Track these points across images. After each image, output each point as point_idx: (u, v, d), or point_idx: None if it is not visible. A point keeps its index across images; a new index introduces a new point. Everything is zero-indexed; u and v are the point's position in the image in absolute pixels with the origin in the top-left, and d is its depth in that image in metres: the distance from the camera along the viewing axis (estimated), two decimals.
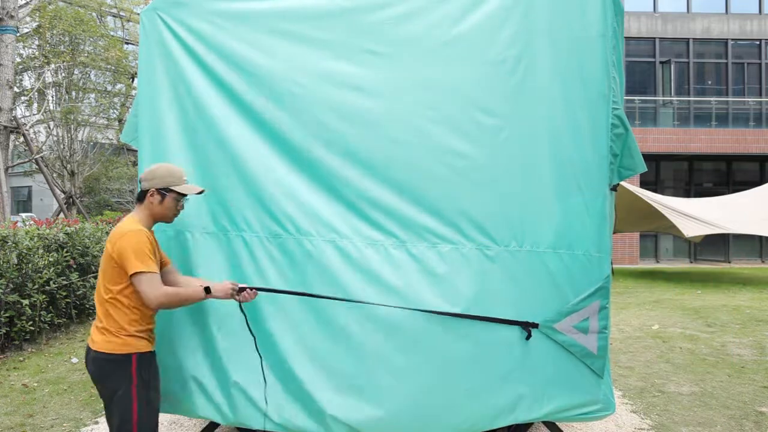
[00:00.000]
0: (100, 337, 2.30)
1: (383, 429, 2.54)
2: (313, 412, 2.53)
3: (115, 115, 15.98)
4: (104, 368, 2.29)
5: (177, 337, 2.70)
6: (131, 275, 2.23)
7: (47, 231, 6.39)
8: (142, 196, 2.42)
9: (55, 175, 13.82)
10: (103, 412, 4.08)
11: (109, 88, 15.37)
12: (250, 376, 2.62)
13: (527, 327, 2.60)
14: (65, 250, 6.55)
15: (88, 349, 2.35)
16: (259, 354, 2.59)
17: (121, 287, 2.28)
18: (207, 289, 2.37)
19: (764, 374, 5.10)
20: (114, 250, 2.26)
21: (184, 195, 2.46)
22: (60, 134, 14.10)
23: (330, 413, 2.50)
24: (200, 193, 2.50)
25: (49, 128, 13.98)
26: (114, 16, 17.44)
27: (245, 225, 2.67)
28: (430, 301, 2.57)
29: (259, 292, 2.52)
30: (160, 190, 2.40)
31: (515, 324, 2.60)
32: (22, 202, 23.83)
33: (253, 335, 2.58)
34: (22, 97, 14.57)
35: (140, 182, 2.43)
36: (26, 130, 10.63)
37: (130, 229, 2.29)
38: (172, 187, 2.41)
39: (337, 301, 2.56)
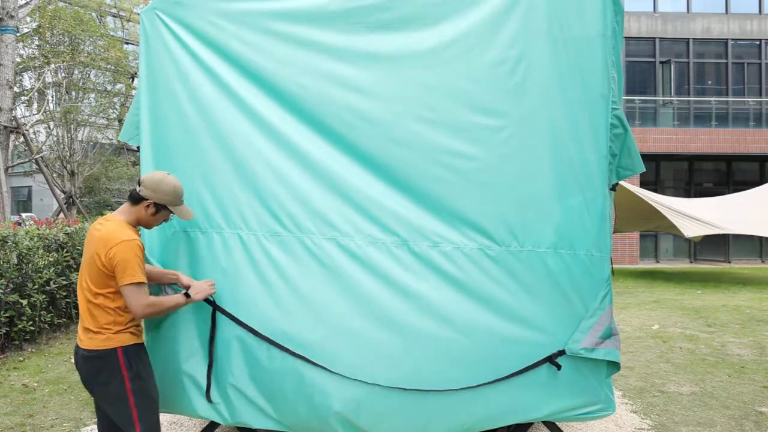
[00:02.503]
0: (85, 335, 2.32)
1: (383, 429, 2.54)
2: (315, 409, 2.53)
3: (115, 115, 15.98)
4: (93, 365, 2.30)
5: (176, 338, 2.69)
6: (121, 285, 2.26)
7: (47, 231, 6.39)
8: (137, 200, 2.40)
9: (55, 175, 13.82)
10: None
11: (109, 87, 15.37)
12: (252, 377, 2.62)
13: (554, 360, 2.60)
14: (65, 250, 6.55)
15: (77, 349, 2.35)
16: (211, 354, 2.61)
17: (107, 291, 2.29)
18: (186, 294, 2.44)
19: (764, 374, 5.10)
20: (106, 258, 2.25)
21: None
22: (60, 134, 14.11)
23: (334, 410, 2.51)
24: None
25: (49, 128, 13.98)
26: (114, 16, 17.45)
27: (243, 223, 2.67)
28: (431, 301, 2.58)
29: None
30: (158, 204, 2.41)
31: (543, 361, 2.60)
32: (22, 202, 23.82)
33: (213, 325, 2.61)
34: (22, 97, 14.57)
35: (140, 185, 2.40)
36: (26, 130, 10.64)
37: (123, 238, 2.27)
38: (171, 207, 2.44)
39: (341, 297, 2.56)
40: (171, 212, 2.46)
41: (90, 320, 2.31)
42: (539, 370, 2.64)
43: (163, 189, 2.38)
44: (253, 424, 2.62)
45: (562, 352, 2.62)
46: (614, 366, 2.75)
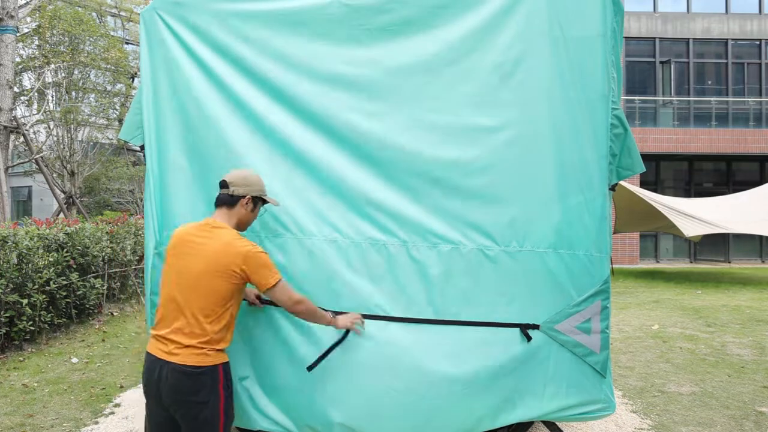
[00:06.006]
0: (184, 350, 2.17)
1: (383, 429, 2.54)
2: (315, 413, 2.53)
3: (115, 115, 15.97)
4: (194, 382, 2.16)
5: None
6: (271, 287, 2.23)
7: (47, 231, 6.39)
8: (233, 202, 2.34)
9: (55, 175, 13.82)
10: (104, 412, 4.09)
11: (109, 88, 15.36)
12: (251, 377, 2.62)
13: (526, 330, 2.60)
14: (65, 250, 6.55)
15: (165, 362, 2.17)
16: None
17: (228, 305, 2.23)
18: (334, 314, 2.48)
19: (764, 374, 5.10)
20: (244, 265, 2.18)
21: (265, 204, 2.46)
22: (60, 134, 14.10)
23: (331, 415, 2.51)
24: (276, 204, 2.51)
25: (49, 128, 13.97)
26: (114, 16, 17.45)
27: None
28: (431, 301, 2.58)
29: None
30: (255, 198, 2.38)
31: (515, 327, 2.60)
32: (22, 202, 23.81)
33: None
34: (22, 97, 14.57)
35: (229, 186, 2.35)
36: (26, 130, 10.63)
37: (248, 242, 2.24)
38: (264, 197, 2.42)
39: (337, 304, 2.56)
40: (265, 203, 2.44)
41: (196, 335, 2.17)
42: (540, 369, 2.64)
43: (253, 181, 2.37)
44: (253, 425, 2.62)
45: (536, 327, 2.62)
46: (599, 359, 2.73)
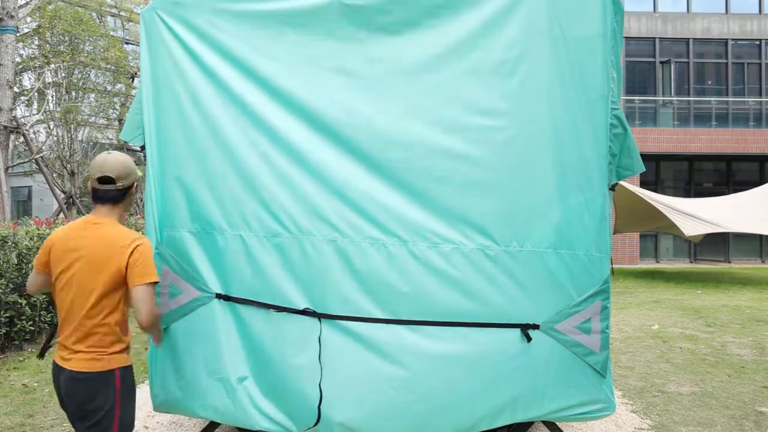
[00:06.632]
0: (76, 355, 2.11)
1: (383, 429, 2.54)
2: (315, 413, 2.53)
3: (115, 115, 15.97)
4: (87, 388, 2.09)
5: (180, 341, 2.70)
6: (139, 285, 2.08)
7: (47, 231, 6.39)
8: (122, 196, 2.23)
9: (55, 175, 13.82)
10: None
11: (109, 88, 15.36)
12: (250, 378, 2.63)
13: (526, 330, 2.60)
14: None
15: (62, 369, 2.12)
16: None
17: (114, 303, 2.13)
18: None
19: (764, 374, 5.10)
20: (130, 259, 2.08)
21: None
22: (60, 134, 14.10)
23: (331, 415, 2.51)
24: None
25: (49, 128, 13.97)
26: (114, 16, 17.44)
27: (244, 224, 2.67)
28: (431, 301, 2.58)
29: None
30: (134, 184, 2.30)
31: (515, 327, 2.60)
32: (22, 202, 23.81)
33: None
34: (22, 97, 14.57)
35: (116, 181, 2.20)
36: (26, 130, 10.63)
37: (137, 235, 2.15)
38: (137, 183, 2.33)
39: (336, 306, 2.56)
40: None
41: (84, 339, 2.11)
42: (540, 369, 2.64)
43: (133, 166, 2.27)
44: (252, 425, 2.62)
45: (536, 326, 2.62)
46: (599, 359, 2.73)
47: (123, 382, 2.16)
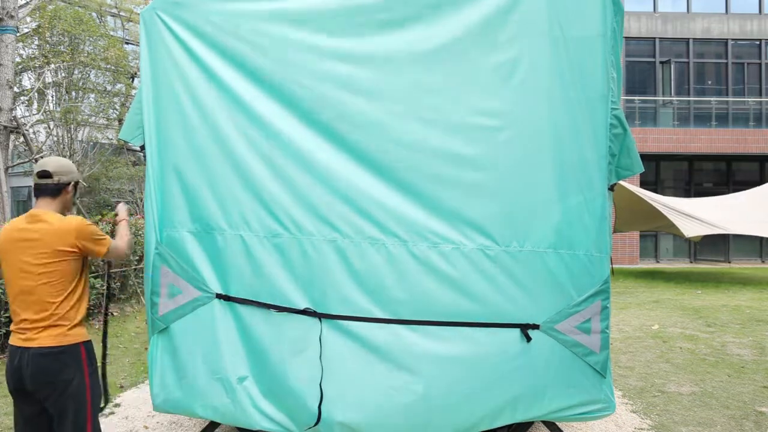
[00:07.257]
0: (41, 333, 2.29)
1: (384, 429, 2.54)
2: (315, 413, 2.53)
3: (115, 115, 15.97)
4: (54, 362, 2.28)
5: (180, 341, 2.70)
6: (106, 252, 2.40)
7: None
8: (58, 190, 2.42)
9: None
10: (104, 412, 4.09)
11: (109, 88, 15.35)
12: (250, 378, 2.63)
13: (526, 330, 2.60)
14: None
15: (25, 350, 2.27)
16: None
17: (76, 281, 2.36)
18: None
19: (764, 374, 5.10)
20: (77, 240, 2.31)
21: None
22: (60, 134, 14.09)
23: (331, 415, 2.51)
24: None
25: (49, 128, 13.97)
26: (114, 16, 17.44)
27: (244, 224, 2.67)
28: (431, 301, 2.58)
29: None
30: (75, 183, 2.49)
31: (515, 327, 2.60)
32: (22, 202, 23.80)
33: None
34: (22, 97, 14.57)
35: (52, 176, 2.39)
36: (26, 130, 10.63)
37: (73, 218, 2.36)
38: (79, 181, 2.50)
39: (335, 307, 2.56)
40: (78, 186, 2.54)
41: (50, 317, 2.30)
42: (540, 369, 2.64)
43: (73, 168, 2.47)
44: (252, 425, 2.62)
45: (536, 326, 2.62)
46: (599, 359, 2.73)
47: (88, 354, 2.39)
